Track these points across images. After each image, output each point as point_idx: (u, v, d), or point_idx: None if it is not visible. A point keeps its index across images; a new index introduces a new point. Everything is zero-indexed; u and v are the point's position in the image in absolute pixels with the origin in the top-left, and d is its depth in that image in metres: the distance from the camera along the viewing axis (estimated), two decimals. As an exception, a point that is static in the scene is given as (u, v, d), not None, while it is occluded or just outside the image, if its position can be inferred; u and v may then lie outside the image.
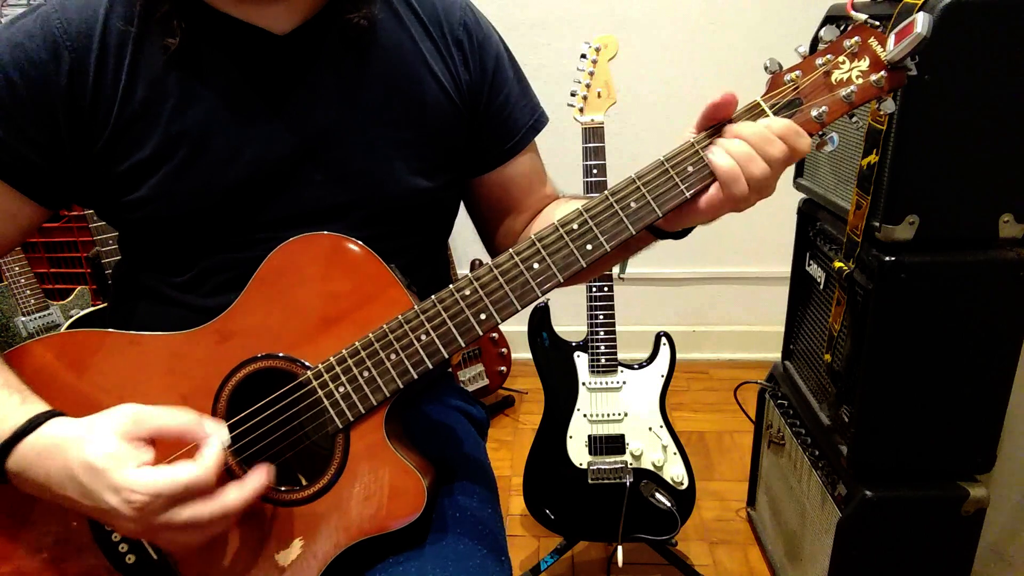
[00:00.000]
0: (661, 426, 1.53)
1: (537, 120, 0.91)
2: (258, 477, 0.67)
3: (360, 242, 0.72)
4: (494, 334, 2.38)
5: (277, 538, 0.72)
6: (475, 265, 2.43)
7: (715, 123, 0.68)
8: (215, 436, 0.65)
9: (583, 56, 1.43)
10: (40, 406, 0.67)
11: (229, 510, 0.64)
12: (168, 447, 0.66)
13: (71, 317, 2.20)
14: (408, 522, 0.73)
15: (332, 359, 0.71)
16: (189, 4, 0.72)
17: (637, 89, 2.35)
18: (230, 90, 0.74)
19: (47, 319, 2.21)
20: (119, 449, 0.62)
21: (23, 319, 2.17)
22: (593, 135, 1.43)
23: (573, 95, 1.43)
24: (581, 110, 1.43)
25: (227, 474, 0.68)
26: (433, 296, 0.71)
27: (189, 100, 0.73)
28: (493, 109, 0.87)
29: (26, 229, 0.77)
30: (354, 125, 0.78)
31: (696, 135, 0.69)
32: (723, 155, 0.66)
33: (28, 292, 2.17)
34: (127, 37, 0.72)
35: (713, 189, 0.67)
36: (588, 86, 1.42)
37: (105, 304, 2.21)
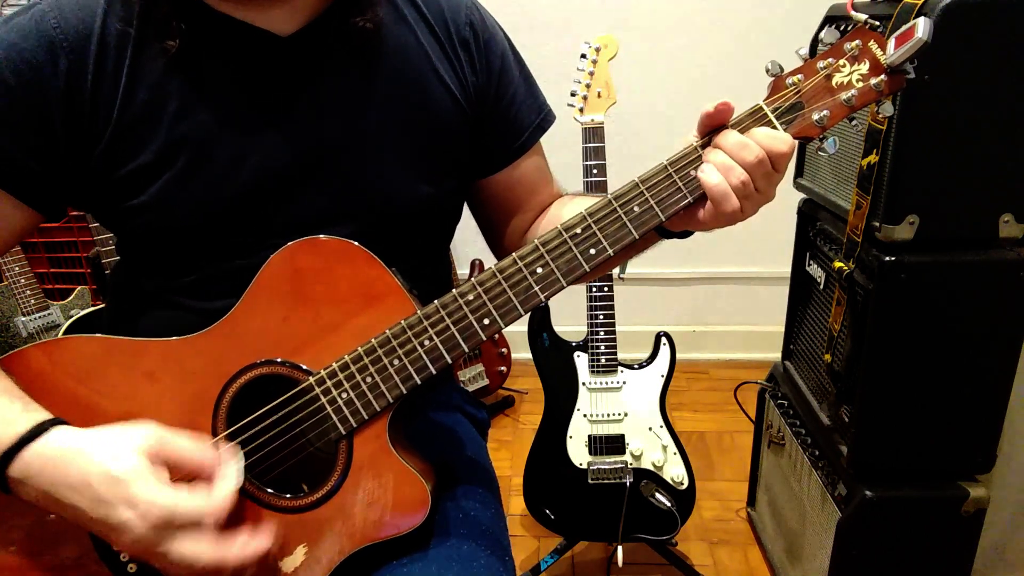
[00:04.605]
0: (661, 426, 1.53)
1: (543, 119, 0.90)
2: (263, 540, 0.67)
3: (361, 246, 0.71)
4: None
5: (281, 545, 0.72)
6: (475, 265, 2.42)
7: (713, 129, 0.68)
8: (229, 474, 0.66)
9: (583, 56, 1.43)
10: (42, 414, 0.66)
11: (227, 561, 0.64)
12: (175, 473, 0.65)
13: (71, 317, 2.20)
14: (412, 527, 0.73)
15: (335, 365, 0.71)
16: (189, 5, 0.70)
17: (637, 89, 2.35)
18: (232, 95, 0.73)
19: (47, 319, 2.21)
20: (141, 465, 0.62)
21: (23, 319, 2.17)
22: (593, 135, 1.43)
23: (573, 95, 1.43)
24: (581, 110, 1.43)
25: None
26: (436, 301, 0.70)
27: (191, 105, 0.72)
28: (499, 109, 0.85)
29: (19, 235, 0.76)
30: (359, 131, 0.77)
31: (697, 139, 0.69)
32: (713, 172, 0.67)
33: (28, 292, 2.17)
34: (127, 39, 0.70)
35: (707, 205, 0.69)
36: (588, 86, 1.42)
37: (104, 304, 2.21)
